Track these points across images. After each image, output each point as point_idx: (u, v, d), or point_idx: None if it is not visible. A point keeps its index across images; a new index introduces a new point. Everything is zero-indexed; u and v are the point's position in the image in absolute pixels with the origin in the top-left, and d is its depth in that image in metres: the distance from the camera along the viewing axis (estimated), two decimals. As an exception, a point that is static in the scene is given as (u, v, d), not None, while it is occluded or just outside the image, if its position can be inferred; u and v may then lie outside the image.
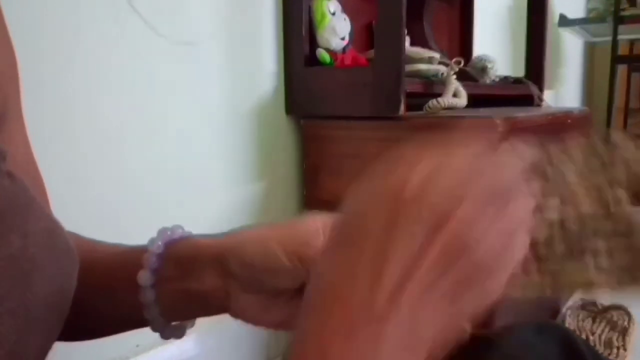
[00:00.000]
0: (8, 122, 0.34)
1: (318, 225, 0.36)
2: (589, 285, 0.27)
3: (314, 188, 1.14)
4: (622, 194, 0.29)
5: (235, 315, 0.37)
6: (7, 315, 0.24)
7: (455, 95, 1.06)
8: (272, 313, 0.36)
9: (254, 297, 0.36)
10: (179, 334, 0.40)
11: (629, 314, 1.28)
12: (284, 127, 1.16)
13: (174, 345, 0.95)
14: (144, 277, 0.37)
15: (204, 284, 0.37)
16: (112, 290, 0.39)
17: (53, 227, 0.29)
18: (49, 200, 0.40)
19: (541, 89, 1.47)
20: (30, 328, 0.26)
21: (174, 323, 0.40)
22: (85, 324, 0.40)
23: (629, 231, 0.28)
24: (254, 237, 0.36)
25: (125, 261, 0.39)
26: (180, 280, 0.37)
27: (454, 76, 1.07)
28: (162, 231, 0.39)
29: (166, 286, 0.37)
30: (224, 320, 1.18)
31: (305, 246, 0.34)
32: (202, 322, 1.15)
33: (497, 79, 1.42)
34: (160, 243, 0.38)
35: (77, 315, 0.37)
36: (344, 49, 1.13)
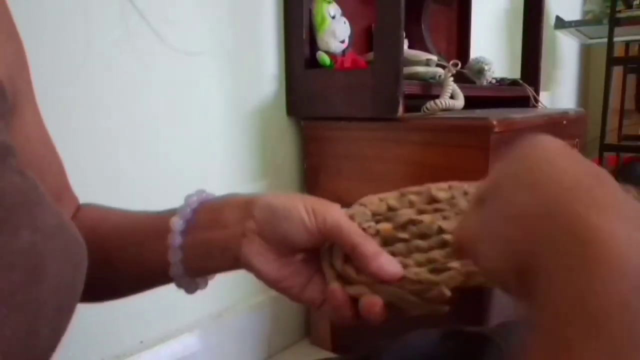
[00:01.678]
0: (21, 108, 0.36)
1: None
2: None
3: (314, 188, 1.16)
4: None
5: (243, 259, 0.39)
6: (18, 309, 0.25)
7: (452, 97, 1.07)
8: (273, 266, 0.39)
9: (265, 245, 0.38)
10: (192, 288, 0.42)
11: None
12: (284, 128, 1.17)
13: (177, 341, 0.97)
14: (177, 223, 0.40)
15: (226, 228, 0.39)
16: (142, 244, 0.42)
17: (63, 223, 0.30)
18: (66, 174, 0.43)
19: (537, 91, 1.48)
20: (40, 322, 0.27)
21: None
22: (109, 281, 0.42)
23: None
24: (282, 194, 0.40)
25: (157, 218, 0.42)
26: (206, 229, 0.40)
27: (452, 78, 1.08)
28: (199, 191, 0.43)
29: (193, 234, 0.40)
30: (226, 317, 1.19)
31: (323, 207, 0.38)
32: (204, 319, 1.17)
33: (494, 81, 1.44)
34: (195, 198, 0.41)
35: (102, 274, 0.40)
36: (343, 52, 1.14)
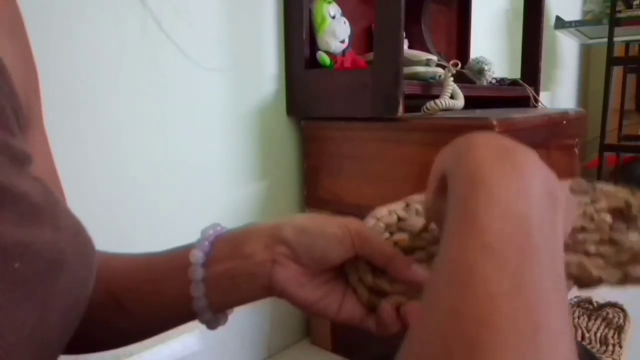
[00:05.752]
0: (31, 132, 0.35)
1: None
2: (591, 280, 0.31)
3: (314, 188, 1.16)
4: (606, 216, 0.37)
5: (276, 286, 0.38)
6: (34, 295, 0.25)
7: (452, 97, 1.07)
8: (307, 289, 0.39)
9: (298, 269, 0.38)
10: (214, 323, 0.42)
11: (624, 311, 1.29)
12: (284, 128, 1.17)
13: (177, 341, 0.97)
14: (197, 255, 0.39)
15: (251, 257, 0.39)
16: (158, 282, 0.40)
17: (78, 225, 0.31)
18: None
19: (537, 91, 1.48)
20: (53, 314, 0.27)
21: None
22: (115, 325, 0.41)
23: (613, 240, 0.34)
24: (303, 215, 0.40)
25: (171, 255, 0.41)
26: (228, 260, 0.39)
27: (452, 78, 1.08)
28: (214, 225, 0.42)
29: (214, 266, 0.39)
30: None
31: (351, 222, 0.38)
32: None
33: (494, 81, 1.44)
34: (211, 232, 0.41)
35: (108, 318, 0.40)
36: (343, 52, 1.14)
